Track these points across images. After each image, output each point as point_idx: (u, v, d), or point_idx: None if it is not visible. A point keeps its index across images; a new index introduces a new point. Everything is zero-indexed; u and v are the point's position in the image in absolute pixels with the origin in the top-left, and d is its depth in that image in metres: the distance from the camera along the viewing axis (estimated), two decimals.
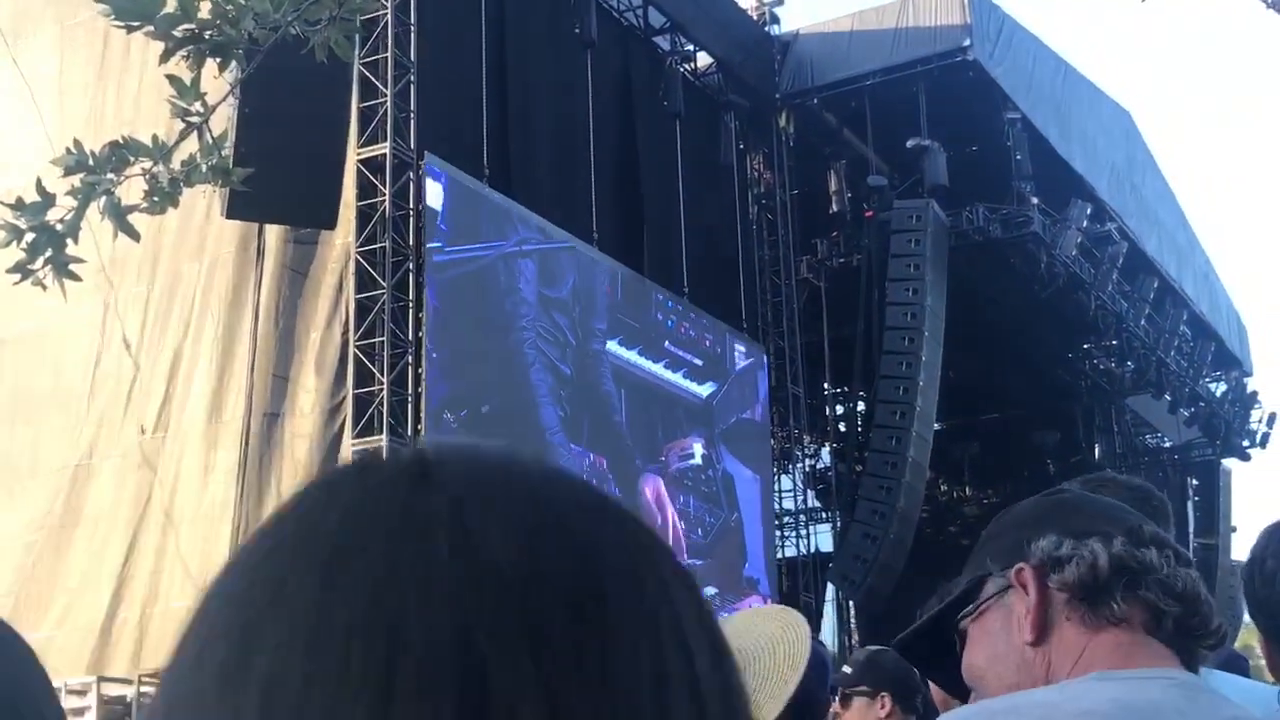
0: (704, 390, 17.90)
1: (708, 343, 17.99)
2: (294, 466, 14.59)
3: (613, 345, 16.46)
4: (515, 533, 0.52)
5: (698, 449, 17.54)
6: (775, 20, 23.49)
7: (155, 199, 4.11)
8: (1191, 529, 29.15)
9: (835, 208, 22.85)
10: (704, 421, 17.82)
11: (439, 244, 15.12)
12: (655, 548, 0.56)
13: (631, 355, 16.72)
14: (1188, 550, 1.85)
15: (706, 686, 0.53)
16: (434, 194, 15.12)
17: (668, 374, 17.35)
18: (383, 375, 14.58)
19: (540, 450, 0.58)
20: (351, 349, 14.73)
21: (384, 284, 14.83)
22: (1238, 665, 3.48)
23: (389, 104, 15.14)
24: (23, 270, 3.81)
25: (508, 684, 0.48)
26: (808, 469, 25.22)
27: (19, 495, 15.89)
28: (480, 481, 0.55)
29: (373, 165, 15.16)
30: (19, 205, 3.95)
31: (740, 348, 18.67)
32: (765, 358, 21.68)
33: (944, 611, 1.69)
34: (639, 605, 0.53)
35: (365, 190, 15.10)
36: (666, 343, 17.56)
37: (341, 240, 15.13)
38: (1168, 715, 1.44)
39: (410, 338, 14.90)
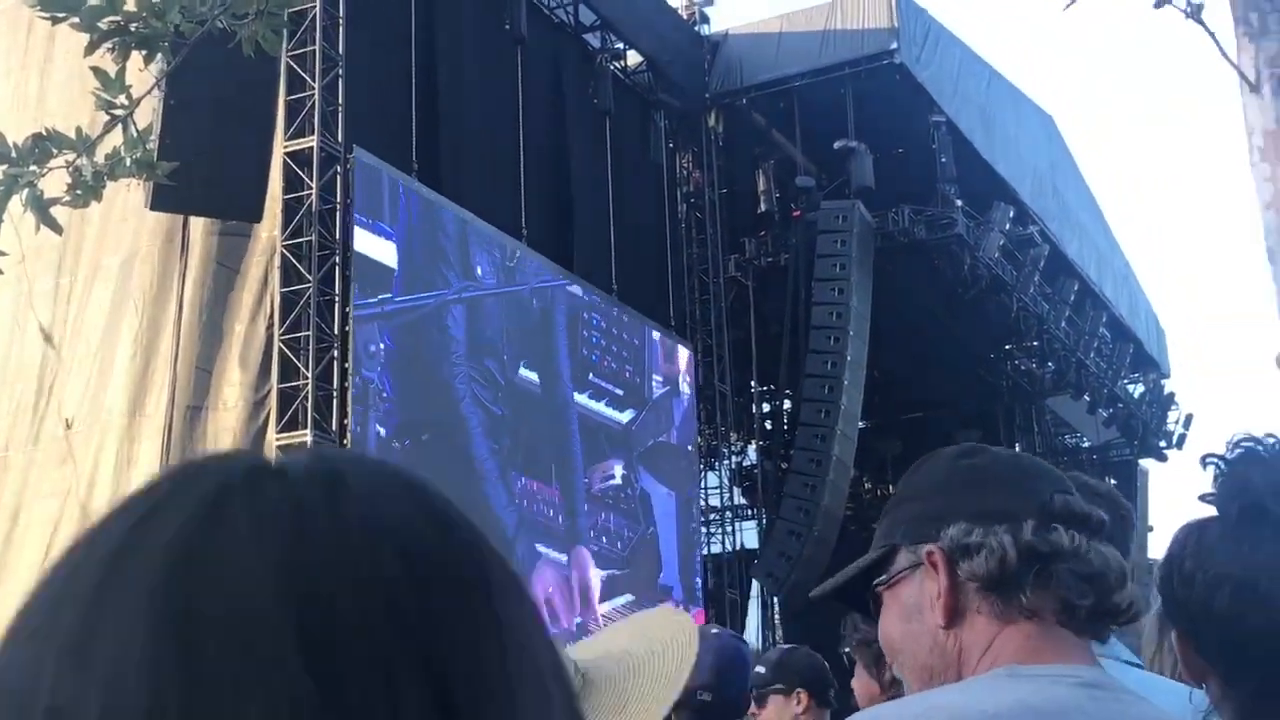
0: (624, 417, 18.43)
1: (628, 374, 18.66)
2: None
3: (527, 373, 17.05)
4: (345, 527, 0.53)
5: (618, 470, 18.19)
6: (705, 20, 23.62)
7: (79, 192, 4.11)
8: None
9: (763, 207, 23.02)
10: (624, 445, 18.41)
11: (391, 294, 15.25)
12: (485, 547, 0.57)
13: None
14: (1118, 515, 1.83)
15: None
16: (387, 252, 15.28)
17: (592, 403, 17.99)
18: (307, 370, 14.51)
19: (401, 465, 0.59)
20: (276, 343, 14.64)
21: (310, 277, 14.75)
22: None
23: (317, 97, 15.05)
24: None
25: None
26: (734, 466, 25.38)
27: None
28: (317, 483, 0.55)
29: (300, 158, 15.07)
30: None
31: (657, 378, 19.20)
32: (691, 375, 21.68)
33: (856, 576, 1.68)
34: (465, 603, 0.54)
35: (292, 183, 15.01)
36: (590, 375, 18.21)
37: (267, 233, 15.04)
38: (1073, 717, 1.44)
39: (336, 332, 14.84)
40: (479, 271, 16.78)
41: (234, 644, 0.49)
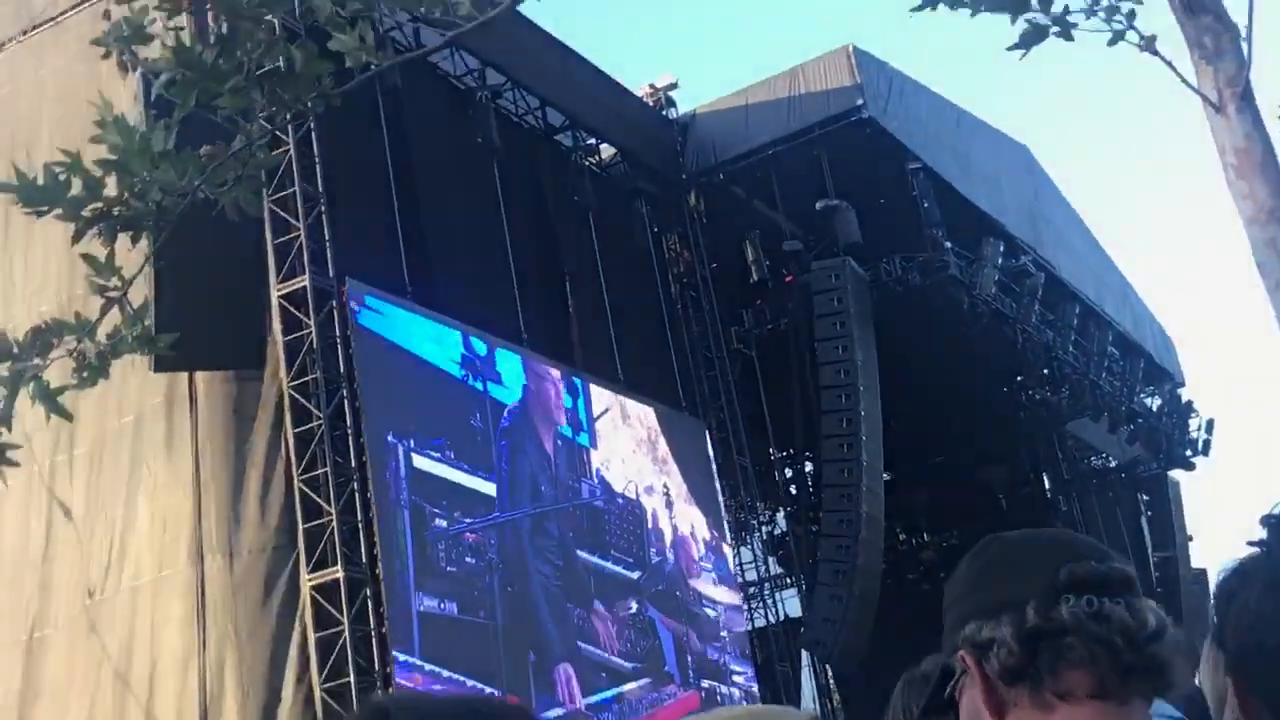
0: (634, 575, 19.11)
1: (633, 542, 19.30)
2: (252, 608, 14.45)
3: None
4: None
5: (634, 604, 18.88)
6: (672, 104, 23.88)
7: (84, 374, 4.16)
8: (1149, 544, 29.46)
9: (755, 277, 23.13)
10: (636, 590, 19.03)
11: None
12: None
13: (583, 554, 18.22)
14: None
15: None
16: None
17: (609, 565, 18.63)
18: (330, 506, 14.52)
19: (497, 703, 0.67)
20: (296, 483, 14.66)
21: (320, 414, 14.81)
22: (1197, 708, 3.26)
23: (303, 237, 15.20)
24: None
25: None
26: (765, 537, 25.27)
27: None
28: None
29: (295, 299, 15.18)
30: None
31: (654, 547, 19.71)
32: (707, 431, 21.89)
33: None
34: None
35: (290, 325, 15.12)
36: (611, 551, 18.80)
37: (273, 376, 15.11)
38: None
39: (353, 464, 14.87)
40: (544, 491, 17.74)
41: None
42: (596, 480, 18.77)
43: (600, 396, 19.41)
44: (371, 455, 14.88)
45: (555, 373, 18.67)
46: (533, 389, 18.05)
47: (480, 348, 17.18)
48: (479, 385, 16.93)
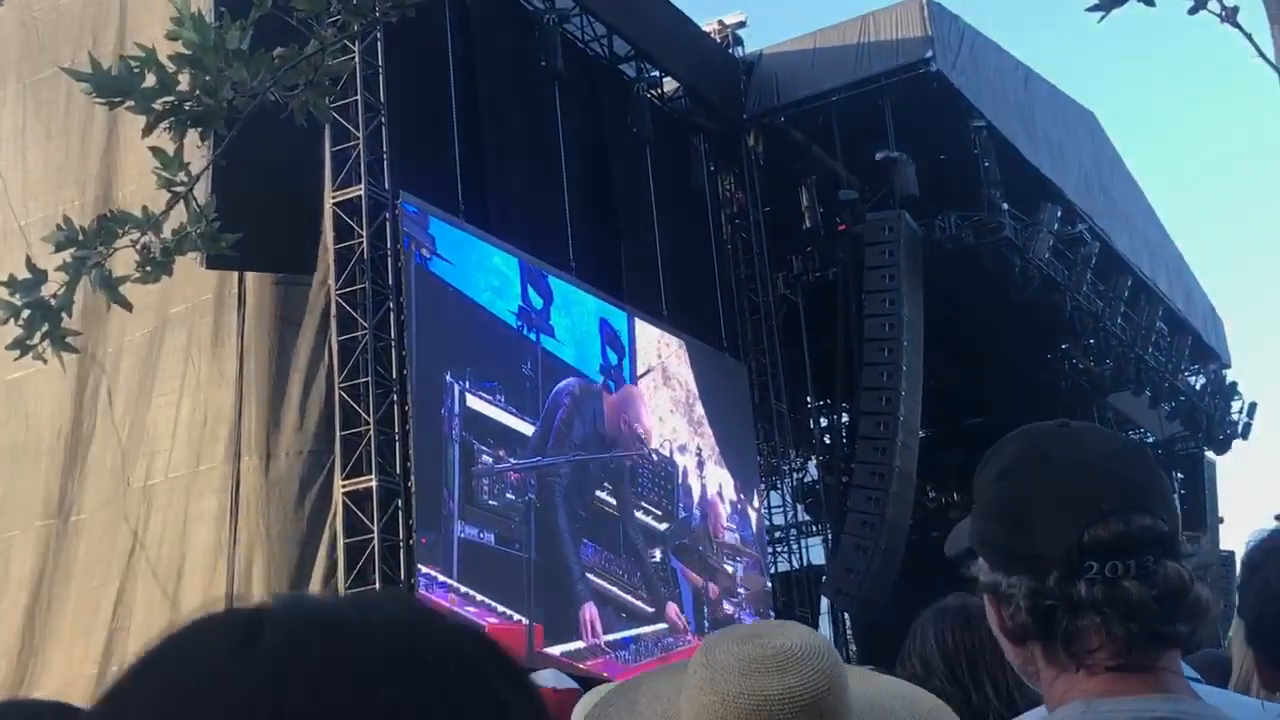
0: (662, 526, 19.41)
1: (664, 497, 19.58)
2: (284, 509, 14.66)
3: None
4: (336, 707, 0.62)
5: (659, 554, 19.22)
6: (739, 42, 23.69)
7: (148, 269, 4.22)
8: (1179, 523, 29.30)
9: (808, 223, 23.02)
10: (662, 541, 19.36)
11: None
12: (488, 673, 0.67)
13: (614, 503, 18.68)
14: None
15: None
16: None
17: (638, 515, 18.98)
18: (368, 415, 14.66)
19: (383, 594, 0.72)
20: (337, 391, 14.81)
21: (365, 325, 14.92)
22: (1219, 671, 3.23)
23: (361, 146, 15.24)
24: (21, 346, 3.92)
25: None
26: (795, 483, 25.34)
27: (13, 551, 15.89)
28: (305, 648, 0.64)
29: (348, 208, 15.26)
30: (12, 283, 4.06)
31: (683, 503, 19.94)
32: (747, 374, 22.00)
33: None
34: None
35: (342, 233, 15.21)
36: (641, 503, 19.16)
37: (321, 283, 15.23)
38: None
39: (394, 376, 15.00)
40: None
41: None
42: (633, 436, 19.09)
43: (645, 356, 19.68)
44: (428, 392, 15.22)
45: (605, 329, 18.96)
46: (583, 345, 18.49)
47: (536, 302, 17.67)
48: (532, 336, 17.48)
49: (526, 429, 16.96)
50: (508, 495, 16.43)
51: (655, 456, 19.57)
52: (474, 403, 16.11)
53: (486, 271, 16.96)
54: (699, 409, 20.77)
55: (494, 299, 16.94)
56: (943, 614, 2.54)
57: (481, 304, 16.69)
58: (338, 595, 0.70)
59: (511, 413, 16.73)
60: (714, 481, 20.75)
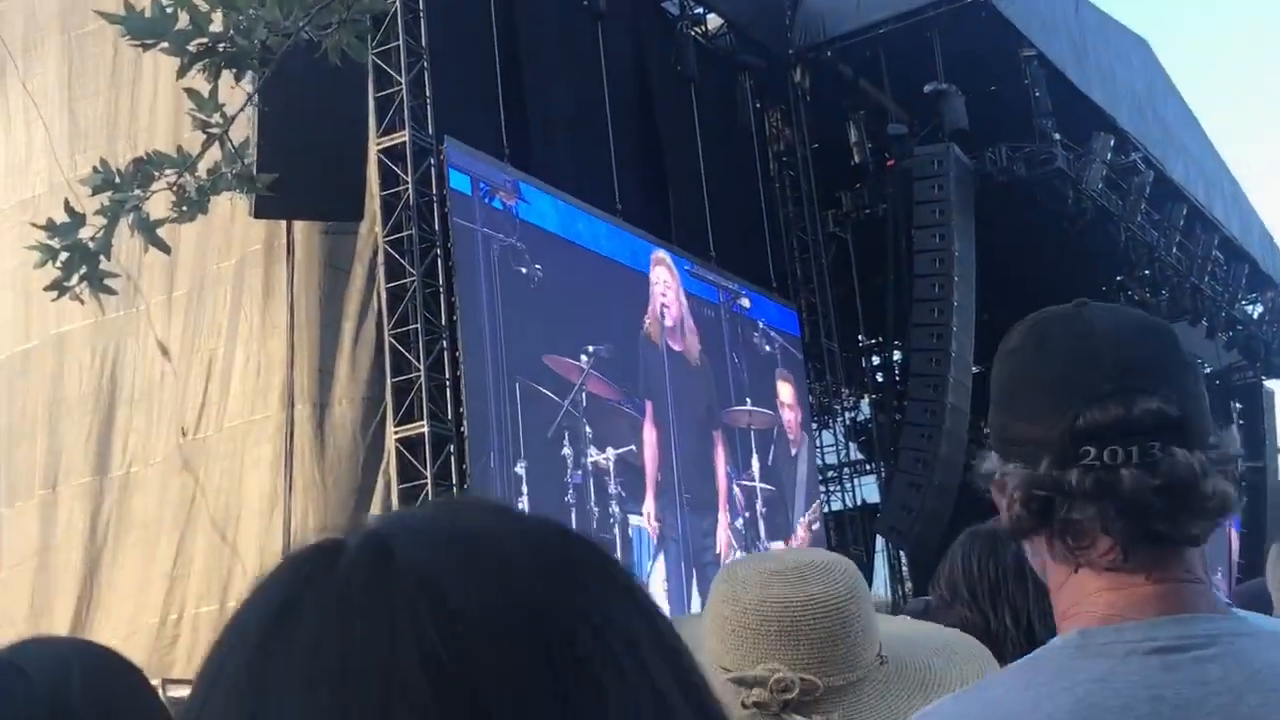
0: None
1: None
2: (338, 457, 14.77)
3: None
4: (482, 619, 0.60)
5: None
6: None
7: (184, 209, 4.21)
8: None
9: (856, 159, 22.78)
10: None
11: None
12: (607, 580, 0.65)
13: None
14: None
15: (673, 701, 0.62)
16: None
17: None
18: (419, 362, 14.70)
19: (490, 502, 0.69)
20: (387, 338, 14.86)
21: (413, 271, 14.93)
22: (1262, 604, 3.13)
23: (404, 92, 15.19)
24: (60, 287, 3.92)
25: None
26: (848, 422, 25.26)
27: (63, 504, 16.11)
28: (439, 566, 0.62)
29: (393, 154, 15.24)
30: (51, 226, 4.06)
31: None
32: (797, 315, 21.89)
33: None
34: (599, 652, 0.61)
35: (388, 179, 15.20)
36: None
37: (368, 231, 15.25)
38: (1139, 709, 1.24)
39: (444, 322, 15.02)
40: None
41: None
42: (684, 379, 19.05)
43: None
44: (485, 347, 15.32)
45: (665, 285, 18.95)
46: (645, 301, 18.54)
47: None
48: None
49: (578, 374, 16.88)
50: (564, 432, 16.45)
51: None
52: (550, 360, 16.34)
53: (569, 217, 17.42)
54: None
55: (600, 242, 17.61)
56: (974, 538, 2.50)
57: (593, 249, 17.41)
58: (434, 506, 0.68)
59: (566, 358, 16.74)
60: (770, 429, 20.78)
